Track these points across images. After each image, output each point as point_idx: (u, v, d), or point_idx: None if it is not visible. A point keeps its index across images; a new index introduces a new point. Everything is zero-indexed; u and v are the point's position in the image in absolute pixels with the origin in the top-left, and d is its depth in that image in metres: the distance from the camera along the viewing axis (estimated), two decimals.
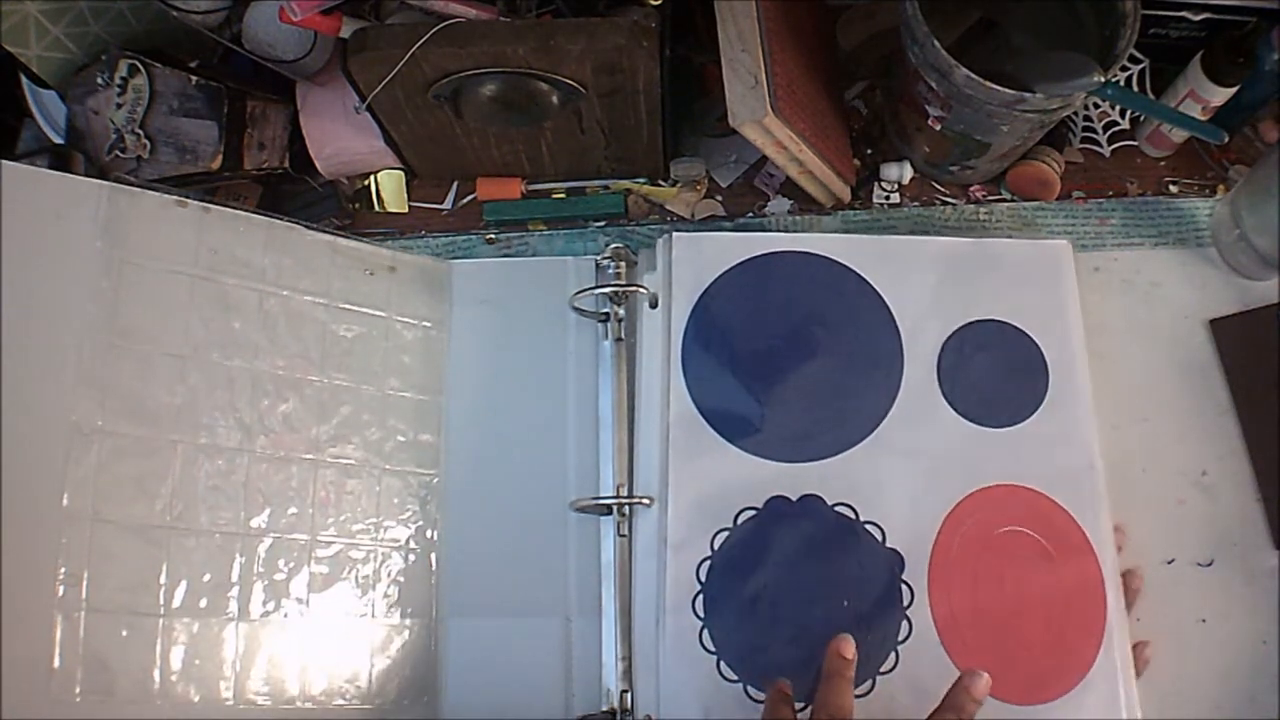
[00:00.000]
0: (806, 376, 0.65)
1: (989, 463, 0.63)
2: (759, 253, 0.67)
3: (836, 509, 0.62)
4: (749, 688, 0.59)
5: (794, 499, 0.62)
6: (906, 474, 0.62)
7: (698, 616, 0.60)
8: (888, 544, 0.61)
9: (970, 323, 0.66)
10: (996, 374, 0.65)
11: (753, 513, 0.61)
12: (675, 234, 0.67)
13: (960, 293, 0.66)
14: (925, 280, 0.67)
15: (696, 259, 0.66)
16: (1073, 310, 0.67)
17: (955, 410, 0.64)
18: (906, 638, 0.60)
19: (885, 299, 0.66)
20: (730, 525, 0.61)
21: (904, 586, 0.61)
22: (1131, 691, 0.59)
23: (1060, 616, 0.60)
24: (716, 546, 0.61)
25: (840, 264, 0.67)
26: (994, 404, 0.64)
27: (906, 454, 0.63)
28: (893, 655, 0.59)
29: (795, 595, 0.60)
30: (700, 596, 0.60)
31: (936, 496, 0.62)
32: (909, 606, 0.60)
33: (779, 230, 0.74)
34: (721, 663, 0.59)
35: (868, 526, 0.61)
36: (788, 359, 0.65)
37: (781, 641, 0.60)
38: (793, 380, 0.64)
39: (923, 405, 0.64)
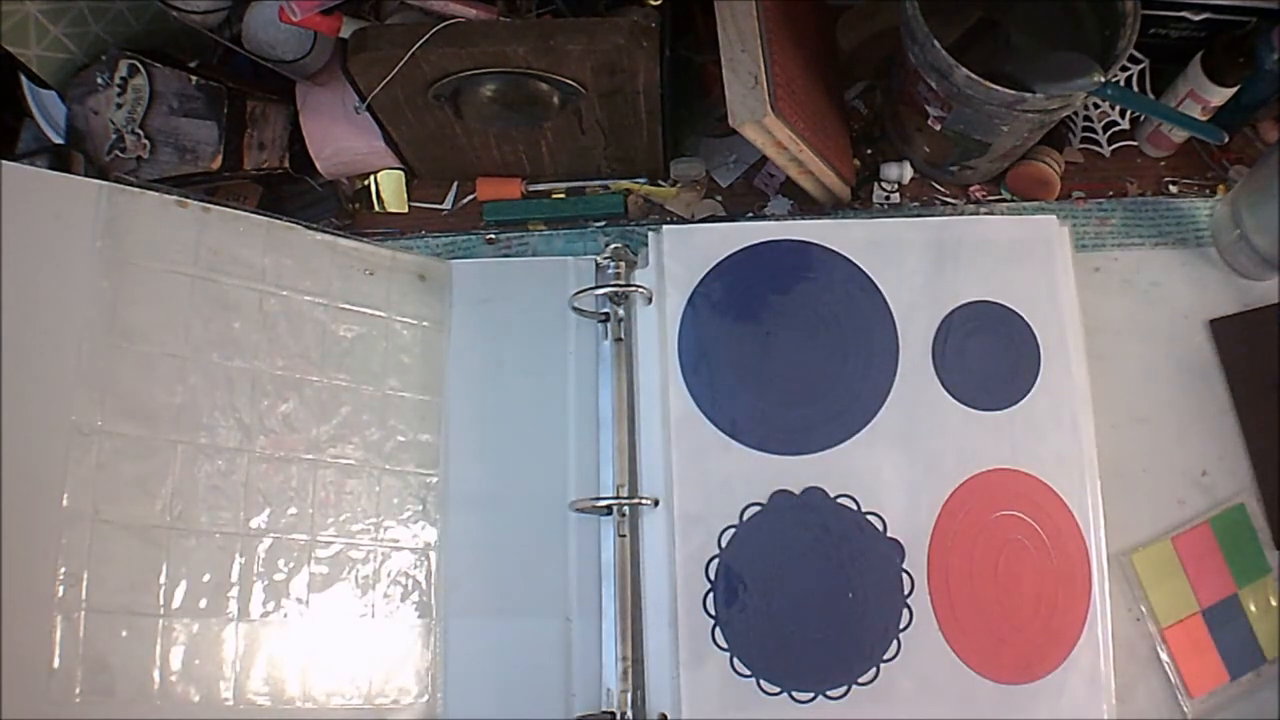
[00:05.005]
0: (804, 367, 0.65)
1: (985, 447, 0.63)
2: (751, 243, 0.66)
3: (838, 501, 0.62)
4: (761, 682, 0.59)
5: (797, 493, 0.62)
6: (905, 462, 0.63)
7: (709, 615, 0.60)
8: (888, 534, 0.62)
9: (963, 305, 0.66)
10: (991, 356, 0.65)
11: (758, 508, 0.62)
12: (666, 228, 0.67)
13: (952, 275, 0.66)
14: (918, 263, 0.66)
15: (688, 253, 0.66)
16: (1064, 289, 0.66)
17: (951, 395, 0.64)
18: (907, 625, 0.60)
19: (878, 285, 0.66)
20: (737, 522, 0.61)
21: (904, 575, 0.61)
22: (1110, 667, 0.61)
23: (1049, 597, 0.61)
24: (724, 544, 0.61)
25: (832, 251, 0.66)
26: (989, 387, 0.64)
27: (905, 441, 0.63)
28: (895, 643, 0.60)
29: (802, 589, 0.61)
30: (710, 595, 0.60)
31: (935, 484, 0.62)
32: (909, 595, 0.61)
33: None
34: (734, 659, 0.59)
35: (869, 517, 0.62)
36: (784, 350, 0.65)
37: (790, 635, 0.60)
38: (790, 371, 0.65)
39: (919, 391, 0.64)
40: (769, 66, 0.64)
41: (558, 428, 0.67)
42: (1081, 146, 0.78)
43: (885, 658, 0.60)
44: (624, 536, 0.63)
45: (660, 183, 0.78)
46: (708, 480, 0.62)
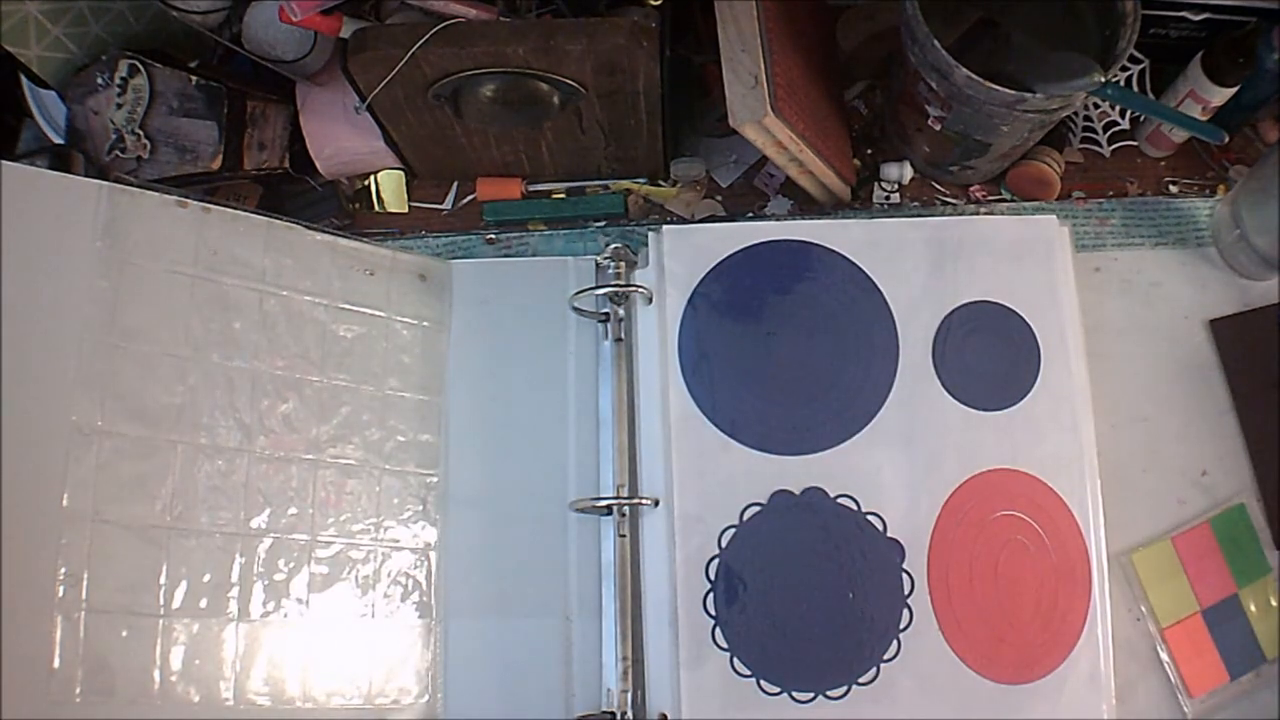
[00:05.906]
0: (804, 366, 0.65)
1: (985, 447, 0.63)
2: (750, 243, 0.67)
3: (839, 501, 0.62)
4: (761, 682, 0.59)
5: (797, 493, 0.62)
6: (905, 462, 0.63)
7: (709, 615, 0.60)
8: (888, 534, 0.62)
9: (963, 305, 0.66)
10: (991, 356, 0.65)
11: (758, 508, 0.62)
12: (666, 228, 0.67)
13: (952, 275, 0.66)
14: (917, 263, 0.67)
15: (688, 253, 0.66)
16: (1064, 289, 0.66)
17: (951, 395, 0.64)
18: (907, 626, 0.61)
19: (879, 285, 0.66)
20: (737, 522, 0.61)
21: (904, 575, 0.61)
22: (1110, 667, 0.61)
23: (1049, 597, 0.61)
24: (724, 544, 0.61)
25: (832, 251, 0.67)
26: (989, 387, 0.64)
27: (905, 441, 0.63)
28: (895, 643, 0.60)
29: (802, 590, 0.61)
30: (710, 595, 0.60)
31: (935, 484, 0.63)
32: (909, 595, 0.61)
33: None
34: (734, 659, 0.59)
35: (869, 517, 0.62)
36: (784, 350, 0.65)
37: (790, 636, 0.60)
38: (790, 372, 0.65)
39: (919, 391, 0.64)
40: (769, 66, 0.64)
41: (558, 428, 0.67)
42: (1081, 146, 0.78)
43: (885, 658, 0.60)
44: (624, 536, 0.63)
45: (660, 183, 0.78)
46: (708, 480, 0.62)
